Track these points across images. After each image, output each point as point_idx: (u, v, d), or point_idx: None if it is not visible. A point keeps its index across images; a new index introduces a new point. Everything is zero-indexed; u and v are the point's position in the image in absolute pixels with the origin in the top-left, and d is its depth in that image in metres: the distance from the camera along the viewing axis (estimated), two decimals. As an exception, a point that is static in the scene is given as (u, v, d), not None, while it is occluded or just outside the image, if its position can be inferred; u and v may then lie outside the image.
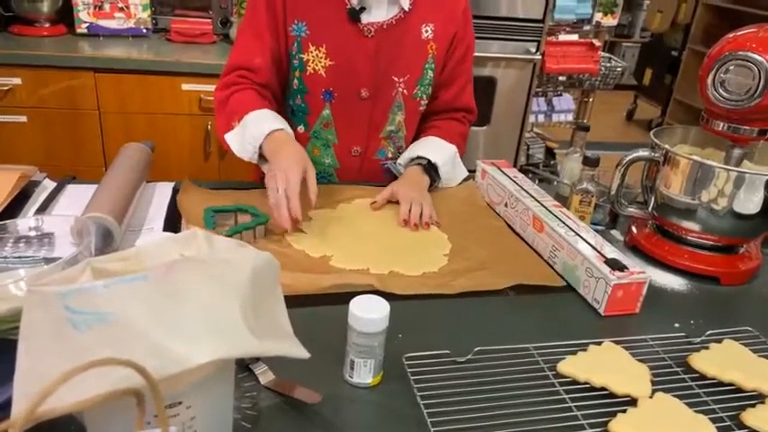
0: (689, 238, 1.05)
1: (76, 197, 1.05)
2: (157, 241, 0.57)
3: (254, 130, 1.07)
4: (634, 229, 1.13)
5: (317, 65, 1.15)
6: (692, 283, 1.01)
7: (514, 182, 1.17)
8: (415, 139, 1.31)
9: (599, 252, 0.93)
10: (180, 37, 2.26)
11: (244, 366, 0.70)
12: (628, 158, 1.05)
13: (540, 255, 1.03)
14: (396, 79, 1.20)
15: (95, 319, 0.44)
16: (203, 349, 0.46)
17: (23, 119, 2.02)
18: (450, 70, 1.26)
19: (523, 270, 0.96)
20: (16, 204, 1.02)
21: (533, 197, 1.11)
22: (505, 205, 1.16)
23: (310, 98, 1.19)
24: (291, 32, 1.14)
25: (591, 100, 3.04)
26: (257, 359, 0.70)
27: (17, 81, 1.97)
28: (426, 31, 1.19)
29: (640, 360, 0.75)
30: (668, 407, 0.68)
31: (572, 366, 0.73)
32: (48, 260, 0.78)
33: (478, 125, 2.55)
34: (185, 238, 0.57)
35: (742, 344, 0.80)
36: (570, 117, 2.95)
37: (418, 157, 1.23)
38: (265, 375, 0.69)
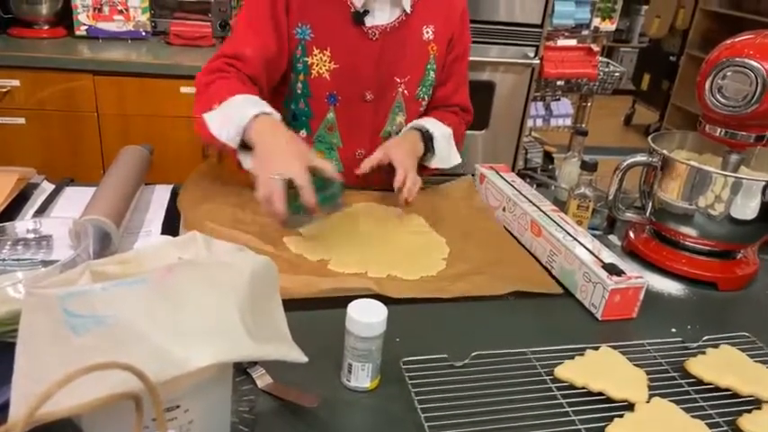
0: (686, 243, 1.05)
1: (75, 200, 1.05)
2: (156, 244, 0.57)
3: (239, 111, 0.99)
4: (631, 234, 1.13)
5: (321, 68, 1.15)
6: (689, 288, 1.02)
7: (513, 186, 1.18)
8: None
9: (596, 257, 0.93)
10: (179, 40, 2.26)
11: (241, 370, 0.70)
12: (625, 163, 1.06)
13: (537, 259, 1.03)
14: (397, 80, 1.20)
15: (94, 322, 0.44)
16: (202, 352, 0.46)
17: (22, 121, 2.02)
18: (447, 69, 1.27)
19: (522, 275, 0.96)
20: (14, 206, 1.02)
21: (531, 202, 1.11)
22: (503, 209, 1.16)
23: (314, 102, 1.19)
24: (296, 35, 1.13)
25: (589, 105, 3.04)
26: (255, 363, 0.70)
27: (16, 83, 1.97)
28: (427, 33, 1.20)
29: (637, 365, 0.75)
30: (665, 412, 0.68)
31: (569, 371, 0.73)
32: (46, 263, 0.78)
33: (477, 129, 2.55)
34: (184, 241, 0.58)
35: (739, 349, 0.80)
36: (568, 122, 2.95)
37: (414, 127, 1.21)
38: (263, 379, 0.69)
